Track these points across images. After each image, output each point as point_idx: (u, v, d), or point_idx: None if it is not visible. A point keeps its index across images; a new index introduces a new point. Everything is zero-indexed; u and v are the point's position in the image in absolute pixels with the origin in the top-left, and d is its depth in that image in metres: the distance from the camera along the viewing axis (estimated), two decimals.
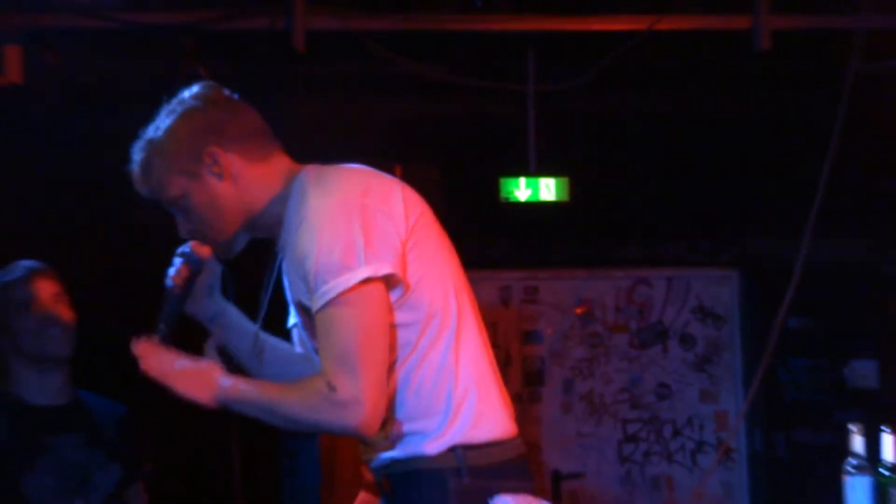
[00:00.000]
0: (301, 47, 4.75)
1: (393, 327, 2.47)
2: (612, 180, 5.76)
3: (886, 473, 3.55)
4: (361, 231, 2.40)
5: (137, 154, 2.57)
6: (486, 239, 5.70)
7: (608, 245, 5.96)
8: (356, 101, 5.33)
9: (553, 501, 2.56)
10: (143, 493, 3.61)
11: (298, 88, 5.02)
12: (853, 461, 3.61)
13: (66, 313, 3.42)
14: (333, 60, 5.09)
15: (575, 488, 5.64)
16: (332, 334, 2.40)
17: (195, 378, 2.50)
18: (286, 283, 2.61)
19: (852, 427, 3.66)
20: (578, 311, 5.92)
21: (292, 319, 2.74)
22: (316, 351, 2.57)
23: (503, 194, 5.42)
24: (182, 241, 2.61)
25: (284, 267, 2.61)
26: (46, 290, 3.42)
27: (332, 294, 2.37)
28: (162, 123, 2.58)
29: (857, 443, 3.62)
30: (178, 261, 2.62)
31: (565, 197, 5.44)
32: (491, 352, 2.61)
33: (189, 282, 2.61)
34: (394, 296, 2.45)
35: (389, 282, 2.43)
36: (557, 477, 5.35)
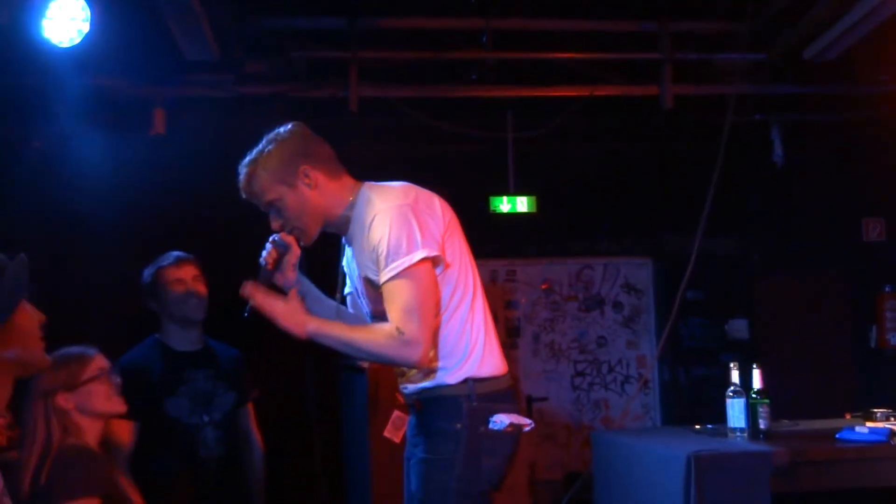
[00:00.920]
0: (354, 108, 4.80)
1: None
2: (566, 198, 5.71)
3: (755, 396, 3.59)
4: (417, 226, 2.42)
5: (245, 168, 2.58)
6: (480, 238, 5.66)
7: (563, 242, 5.90)
8: (389, 145, 5.33)
9: (528, 417, 2.58)
10: (251, 411, 3.61)
11: (353, 136, 5.07)
12: (732, 388, 3.65)
13: (201, 289, 3.42)
14: (375, 117, 5.09)
15: (542, 408, 5.62)
16: (400, 295, 2.38)
17: (292, 316, 2.48)
18: (355, 263, 2.60)
19: (731, 365, 3.70)
20: (543, 287, 5.89)
21: (348, 289, 2.72)
22: (372, 312, 2.59)
23: (491, 207, 5.41)
24: (268, 235, 2.59)
25: (353, 253, 2.60)
26: (189, 272, 3.42)
27: (401, 268, 2.38)
28: (265, 148, 2.56)
29: (735, 376, 3.65)
30: (269, 245, 2.60)
31: (534, 209, 5.46)
32: (490, 314, 2.62)
33: (277, 261, 2.59)
34: (436, 272, 2.46)
35: (435, 261, 2.44)
36: (530, 400, 5.34)
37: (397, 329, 2.37)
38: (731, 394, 3.61)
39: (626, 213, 5.86)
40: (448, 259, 2.49)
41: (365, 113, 4.77)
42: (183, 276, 3.39)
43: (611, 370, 5.92)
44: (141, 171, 4.84)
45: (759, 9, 4.69)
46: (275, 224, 2.59)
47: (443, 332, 2.48)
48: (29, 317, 1.79)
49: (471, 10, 4.70)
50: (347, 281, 2.73)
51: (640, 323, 5.96)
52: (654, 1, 4.80)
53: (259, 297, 2.49)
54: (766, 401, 3.53)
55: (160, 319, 3.45)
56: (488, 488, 2.48)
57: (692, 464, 3.16)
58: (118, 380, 2.83)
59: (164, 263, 3.43)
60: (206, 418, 3.35)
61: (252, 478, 3.58)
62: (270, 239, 2.60)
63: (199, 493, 3.27)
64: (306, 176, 2.54)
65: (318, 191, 2.55)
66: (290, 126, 2.61)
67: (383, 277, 2.41)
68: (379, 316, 2.53)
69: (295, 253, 2.61)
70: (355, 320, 2.66)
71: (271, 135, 2.59)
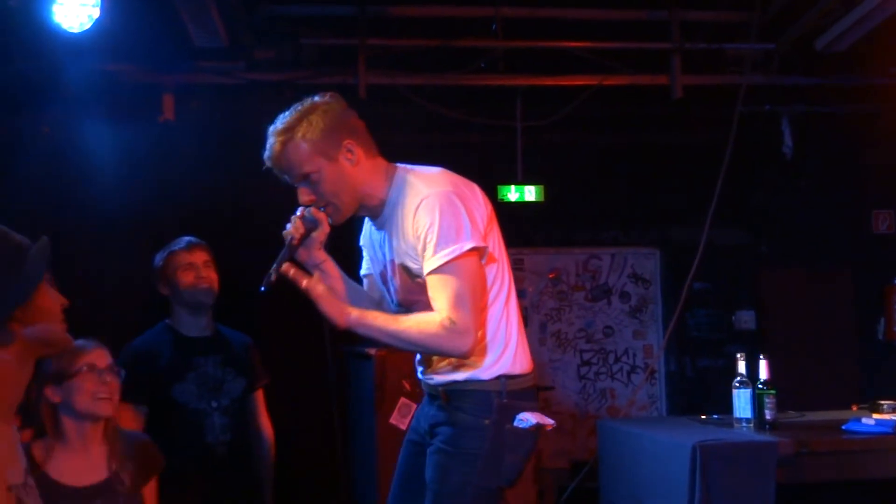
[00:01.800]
0: (363, 95, 4.80)
1: None
2: (574, 187, 5.70)
3: (761, 387, 3.60)
4: (466, 215, 2.33)
5: (277, 137, 2.38)
6: None
7: (571, 231, 5.89)
8: (397, 132, 5.31)
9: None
10: (261, 398, 3.60)
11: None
12: (738, 379, 3.66)
13: (212, 274, 3.41)
14: (384, 105, 5.05)
15: (548, 397, 5.62)
16: (450, 285, 2.29)
17: (334, 302, 2.35)
18: (387, 247, 2.48)
19: (738, 356, 3.70)
20: (551, 276, 5.88)
21: (365, 270, 2.64)
22: (400, 300, 2.49)
23: (500, 196, 5.38)
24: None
25: (385, 237, 2.48)
26: (200, 257, 3.41)
27: (451, 256, 2.29)
28: (304, 116, 2.37)
29: (741, 366, 3.66)
30: (295, 219, 2.43)
31: (542, 198, 5.43)
32: (520, 310, 2.54)
33: (304, 237, 2.44)
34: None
35: (481, 253, 2.36)
36: (536, 389, 5.26)
37: (449, 319, 2.28)
38: (737, 384, 3.62)
39: (634, 203, 5.84)
40: (490, 251, 2.41)
41: (373, 100, 4.75)
42: (194, 260, 3.39)
43: (617, 360, 5.91)
44: (150, 156, 4.84)
45: None
46: (305, 198, 2.43)
47: (481, 325, 2.39)
48: (51, 298, 1.81)
49: None
50: (367, 262, 2.64)
51: (646, 313, 5.94)
52: None
53: (300, 277, 2.33)
54: (773, 391, 3.54)
55: (170, 305, 3.45)
56: (505, 484, 2.43)
57: (698, 453, 3.17)
58: (121, 376, 2.72)
59: (176, 248, 3.42)
60: (213, 404, 3.35)
61: (260, 464, 3.59)
62: (298, 212, 2.44)
63: (206, 479, 3.28)
64: (349, 151, 2.39)
65: (359, 167, 2.41)
66: (326, 96, 2.44)
67: (430, 265, 2.32)
68: (407, 304, 2.46)
69: (324, 231, 2.46)
70: (366, 303, 2.55)
71: (307, 103, 2.41)
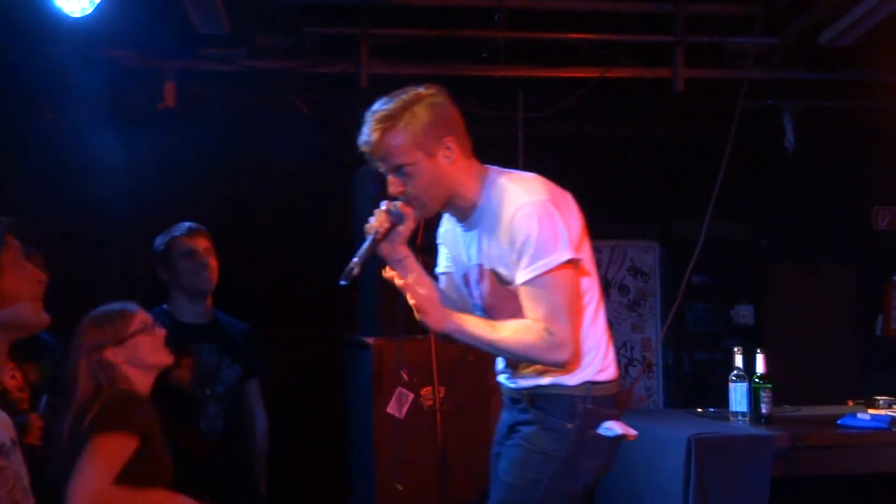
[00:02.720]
0: (365, 85, 4.79)
1: None
2: (575, 179, 5.63)
3: (757, 381, 3.62)
4: (563, 226, 2.31)
5: (378, 123, 2.32)
6: None
7: None
8: None
9: None
10: (257, 386, 3.60)
11: (361, 115, 5.05)
12: (735, 373, 3.68)
13: (212, 261, 3.43)
14: (384, 94, 5.08)
15: None
16: (547, 295, 2.28)
17: (436, 308, 2.30)
18: (474, 249, 2.44)
19: (735, 350, 3.72)
20: None
21: (443, 268, 2.60)
22: (485, 305, 2.45)
23: None
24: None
25: (475, 239, 2.44)
26: (201, 243, 3.44)
27: (549, 266, 2.27)
28: (409, 107, 2.33)
29: (738, 360, 3.68)
30: (379, 213, 2.37)
31: None
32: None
33: (389, 231, 2.37)
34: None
35: (575, 264, 2.34)
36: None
37: (546, 330, 2.28)
38: (733, 378, 3.64)
39: (634, 196, 5.83)
40: (583, 261, 2.40)
41: (375, 90, 4.67)
42: (195, 245, 3.41)
43: (616, 353, 5.91)
44: (151, 143, 4.82)
45: None
46: (395, 189, 2.37)
47: None
48: (18, 278, 1.75)
49: None
50: (446, 260, 2.60)
51: (645, 306, 5.95)
52: None
53: (400, 279, 2.30)
54: (769, 386, 3.56)
55: (169, 290, 3.46)
56: (581, 491, 2.42)
57: (693, 446, 3.20)
58: (163, 331, 2.82)
59: (177, 233, 3.44)
60: (208, 391, 3.37)
61: (254, 452, 3.61)
62: (383, 205, 2.38)
63: (200, 466, 3.28)
64: (448, 148, 2.36)
65: (455, 166, 2.37)
66: (432, 89, 2.40)
67: (526, 276, 2.29)
68: (493, 310, 2.44)
69: (409, 226, 2.40)
70: (452, 304, 2.48)
71: (411, 92, 2.37)
